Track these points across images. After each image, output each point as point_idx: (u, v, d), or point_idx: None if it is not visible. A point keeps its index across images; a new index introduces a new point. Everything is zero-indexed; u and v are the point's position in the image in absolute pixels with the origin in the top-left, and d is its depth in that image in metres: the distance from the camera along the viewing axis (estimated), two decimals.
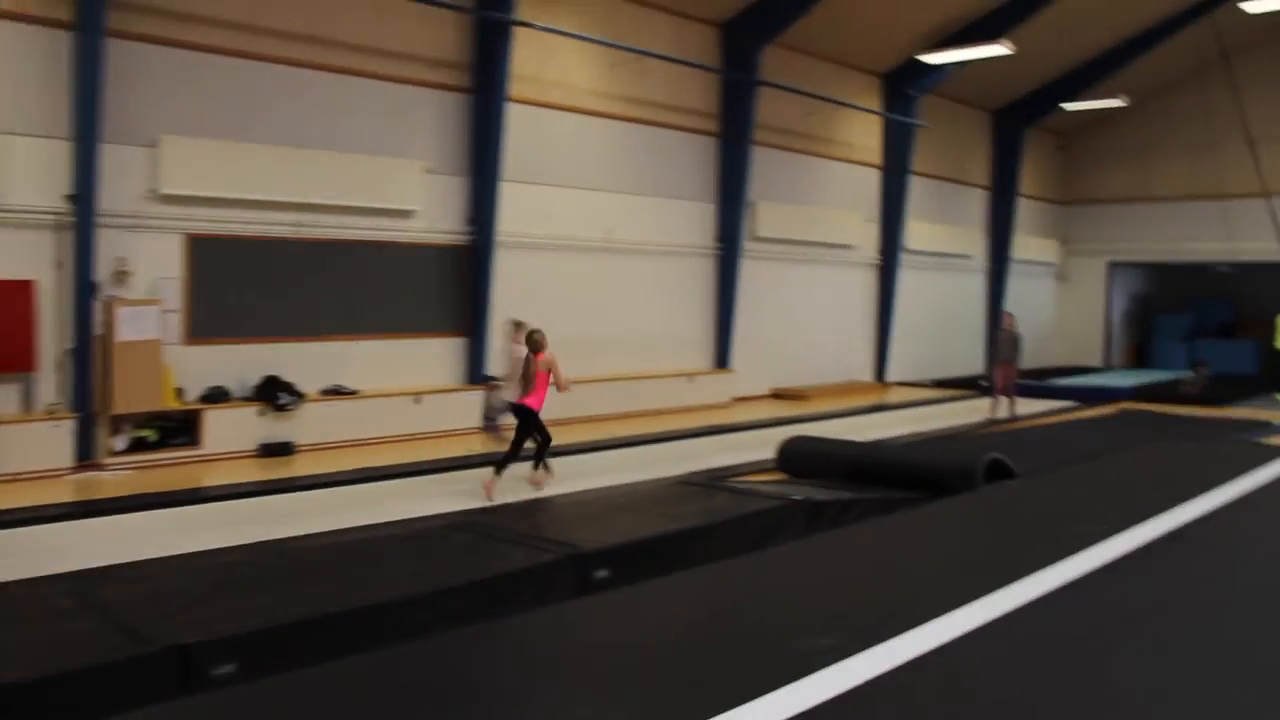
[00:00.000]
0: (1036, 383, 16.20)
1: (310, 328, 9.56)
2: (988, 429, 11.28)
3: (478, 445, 9.46)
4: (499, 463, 7.24)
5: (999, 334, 12.81)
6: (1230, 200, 19.08)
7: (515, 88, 10.90)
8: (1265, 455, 7.17)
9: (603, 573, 4.66)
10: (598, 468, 8.31)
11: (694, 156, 13.40)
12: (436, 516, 6.26)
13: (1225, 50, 17.42)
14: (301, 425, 9.02)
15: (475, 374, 10.85)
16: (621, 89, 12.39)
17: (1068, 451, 8.81)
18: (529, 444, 7.44)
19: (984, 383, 13.17)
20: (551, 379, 7.27)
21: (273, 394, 8.93)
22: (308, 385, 9.32)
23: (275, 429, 8.92)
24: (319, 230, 9.62)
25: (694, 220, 13.46)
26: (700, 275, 13.63)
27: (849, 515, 6.09)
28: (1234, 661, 3.19)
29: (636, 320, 12.66)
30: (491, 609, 4.06)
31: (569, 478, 7.69)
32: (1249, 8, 15.36)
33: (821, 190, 15.55)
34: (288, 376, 9.14)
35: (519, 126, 11.01)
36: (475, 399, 10.61)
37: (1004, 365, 12.27)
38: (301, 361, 9.37)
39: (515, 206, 11.06)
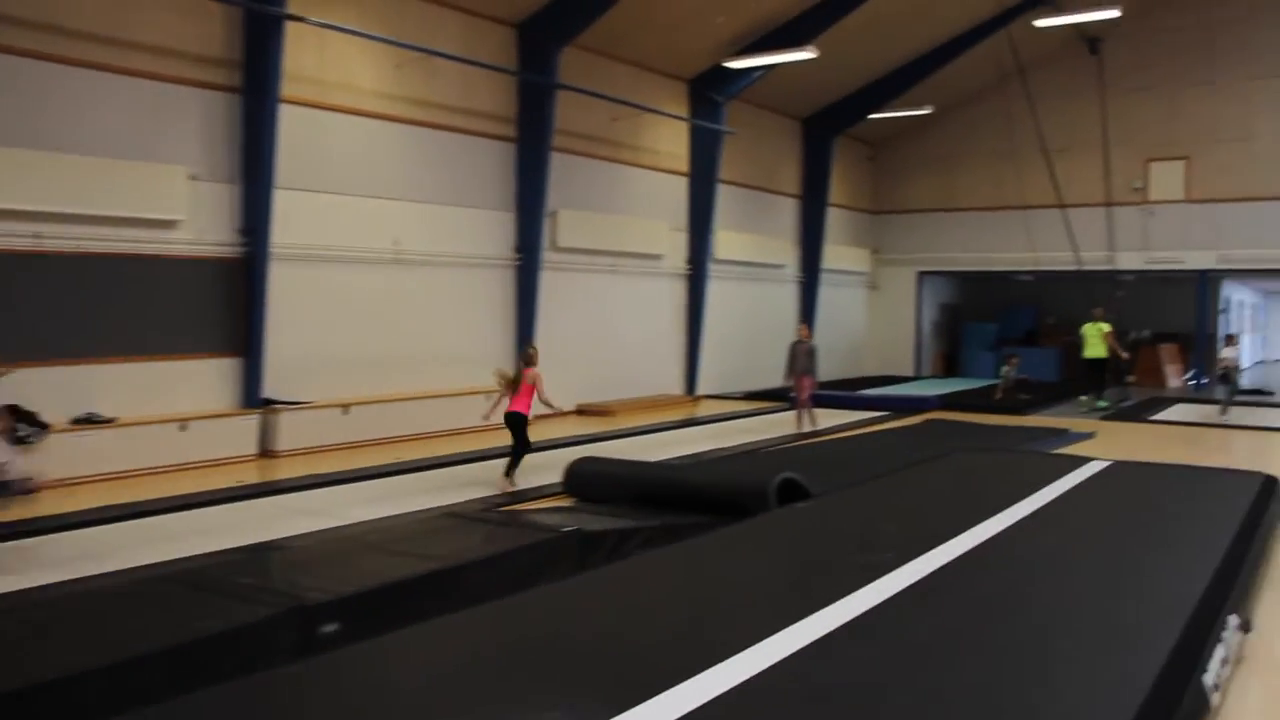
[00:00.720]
0: (846, 393, 17.86)
1: (58, 350, 9.47)
2: (792, 443, 12.20)
3: (252, 474, 9.65)
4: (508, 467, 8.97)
5: (794, 346, 13.82)
6: (1030, 210, 21.57)
7: (290, 88, 11.14)
8: (1062, 467, 8.27)
9: (332, 627, 4.34)
10: (370, 497, 8.38)
11: (490, 163, 14.00)
12: (162, 564, 5.90)
13: (1022, 64, 19.86)
14: (47, 459, 8.93)
15: (251, 396, 10.98)
16: (410, 91, 12.84)
17: (868, 466, 9.41)
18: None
19: (792, 394, 14.45)
20: (536, 392, 8.95)
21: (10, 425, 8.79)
22: (55, 414, 9.24)
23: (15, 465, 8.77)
24: (65, 243, 9.54)
25: (491, 230, 14.05)
26: (499, 288, 14.23)
27: (628, 546, 6.07)
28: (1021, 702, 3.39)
29: (431, 337, 13.10)
30: (188, 681, 3.64)
31: (328, 509, 7.82)
32: (1039, 23, 17.75)
33: (627, 199, 16.53)
34: (30, 405, 9.03)
35: (295, 130, 11.26)
36: (251, 424, 10.76)
37: (802, 377, 13.42)
38: (47, 388, 9.27)
39: (292, 216, 11.29)
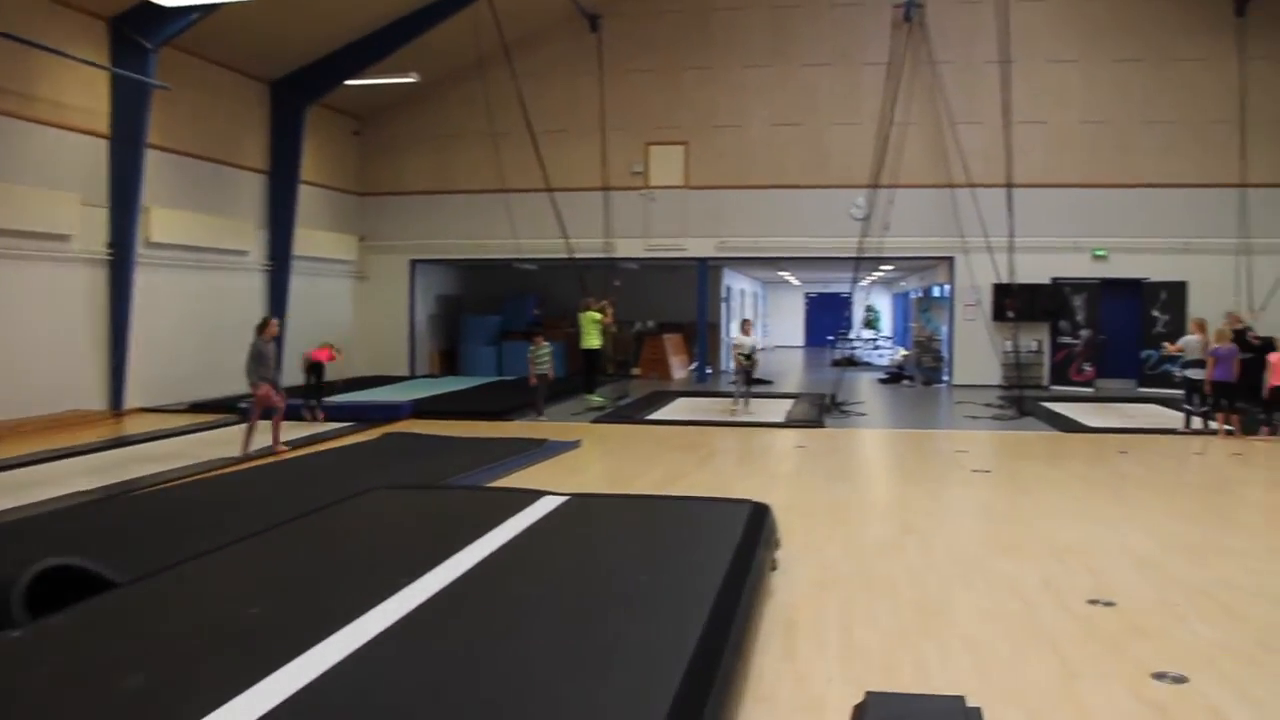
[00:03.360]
0: (302, 400, 17.88)
1: None
2: (204, 473, 11.29)
3: None
4: None
5: (256, 344, 13.00)
6: (528, 194, 23.12)
7: None
8: (504, 507, 7.91)
9: None
10: None
11: None
12: None
13: (519, 37, 21.37)
14: None
15: None
16: None
17: (259, 513, 8.26)
18: None
19: (243, 405, 14.18)
20: None
21: None
22: None
23: None
24: None
25: None
26: None
27: None
28: None
29: None
30: None
31: None
32: None
33: (17, 163, 15.37)
34: None
35: None
36: None
37: (262, 384, 12.83)
38: None
39: None
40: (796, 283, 43.28)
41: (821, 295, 45.66)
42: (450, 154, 24.69)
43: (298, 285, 22.30)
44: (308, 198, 22.79)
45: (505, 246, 24.26)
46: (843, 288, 45.01)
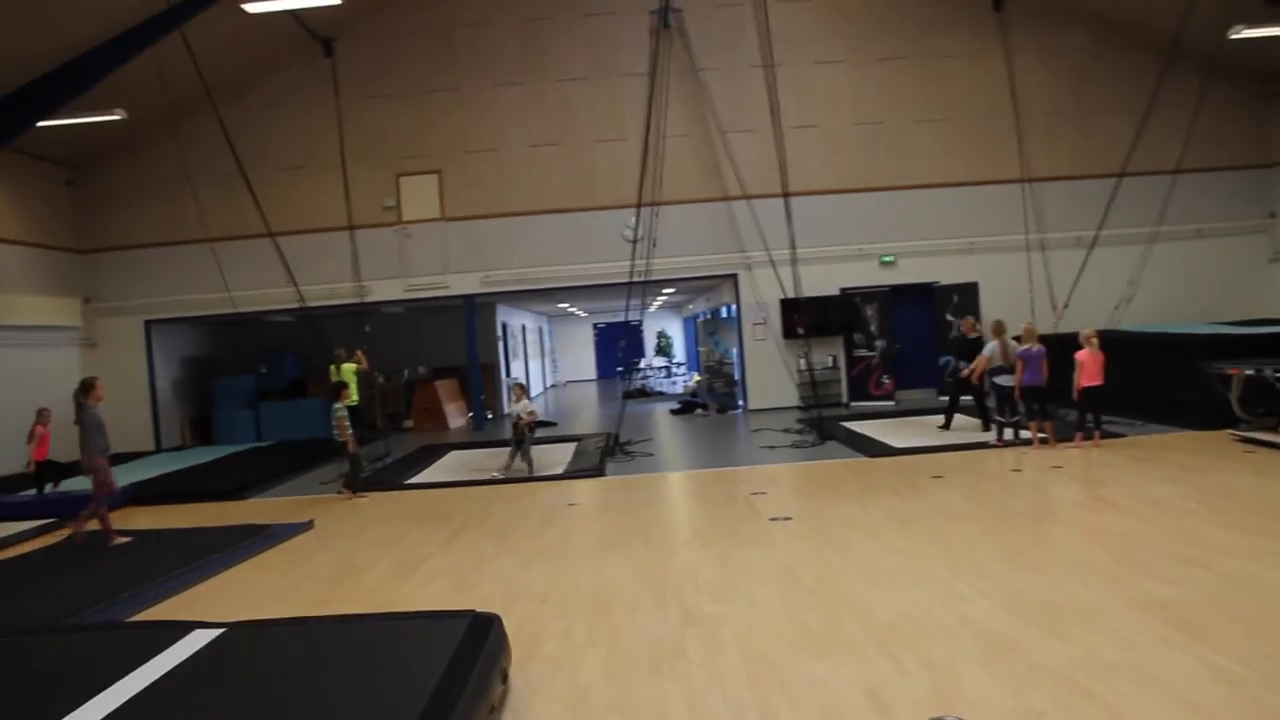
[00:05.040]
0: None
1: None
2: None
3: None
4: None
5: (92, 413, 11.28)
6: (262, 239, 20.22)
7: None
8: (135, 652, 5.74)
9: None
10: None
11: None
12: None
13: (234, 72, 18.48)
14: None
15: None
16: None
17: None
18: None
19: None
20: None
21: None
22: None
23: None
24: None
25: None
26: None
27: None
28: None
29: None
30: None
31: None
32: (249, 7, 16.33)
33: None
34: None
35: None
36: None
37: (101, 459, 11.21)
38: None
39: None
40: (583, 314, 41.26)
41: (610, 325, 43.78)
42: (180, 201, 21.37)
43: (3, 359, 18.82)
44: (11, 258, 19.45)
45: (251, 298, 21.32)
46: (633, 315, 43.52)
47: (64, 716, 4.70)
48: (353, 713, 4.58)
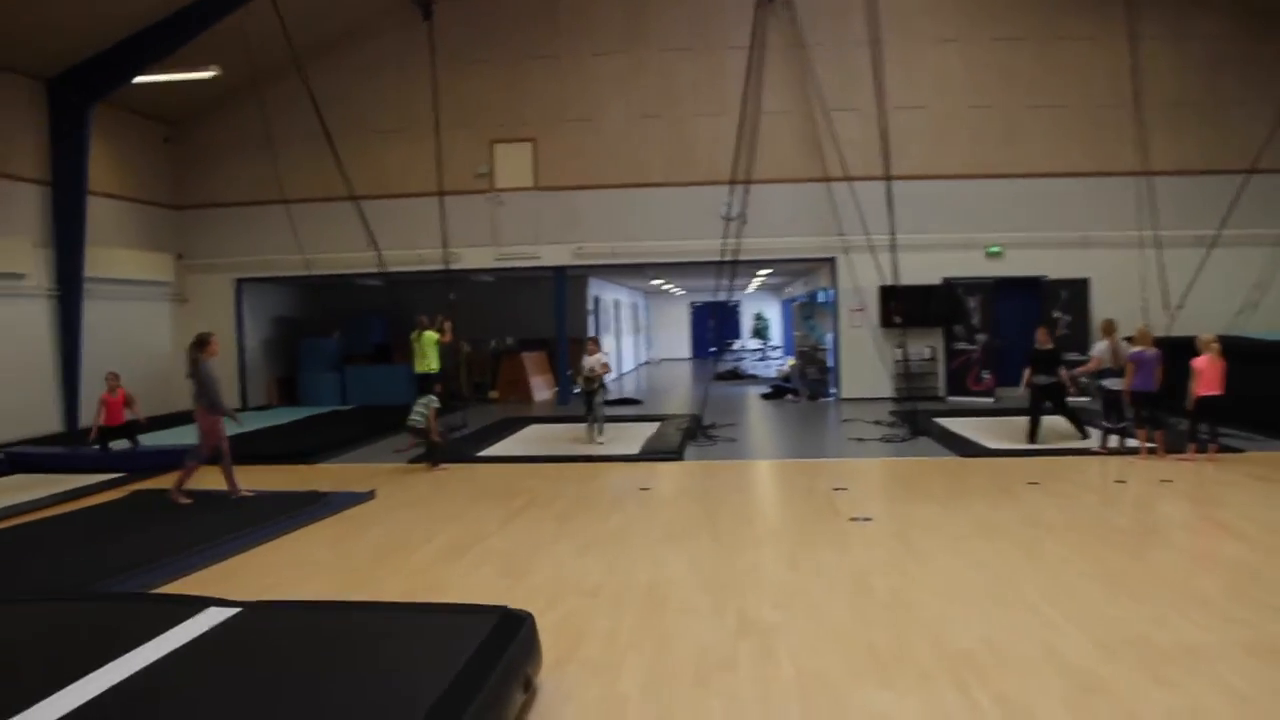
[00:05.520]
0: (63, 451, 14.83)
1: None
2: None
3: None
4: None
5: (206, 367, 10.97)
6: (365, 200, 20.08)
7: None
8: (142, 628, 5.37)
9: None
10: None
11: None
12: None
13: (332, 35, 18.17)
14: None
15: None
16: None
17: None
18: None
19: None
20: None
21: None
22: None
23: None
24: None
25: None
26: None
27: None
28: None
29: None
30: None
31: None
32: None
33: None
34: None
35: None
36: None
37: (215, 416, 11.04)
38: None
39: None
40: (680, 292, 40.62)
41: (707, 305, 43.04)
42: (275, 160, 21.28)
43: (100, 311, 19.06)
44: (109, 212, 19.69)
45: (342, 260, 21.24)
46: (723, 295, 42.63)
47: (41, 699, 4.33)
48: (342, 717, 4.13)
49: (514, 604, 5.67)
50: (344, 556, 8.53)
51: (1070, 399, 14.49)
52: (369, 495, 11.25)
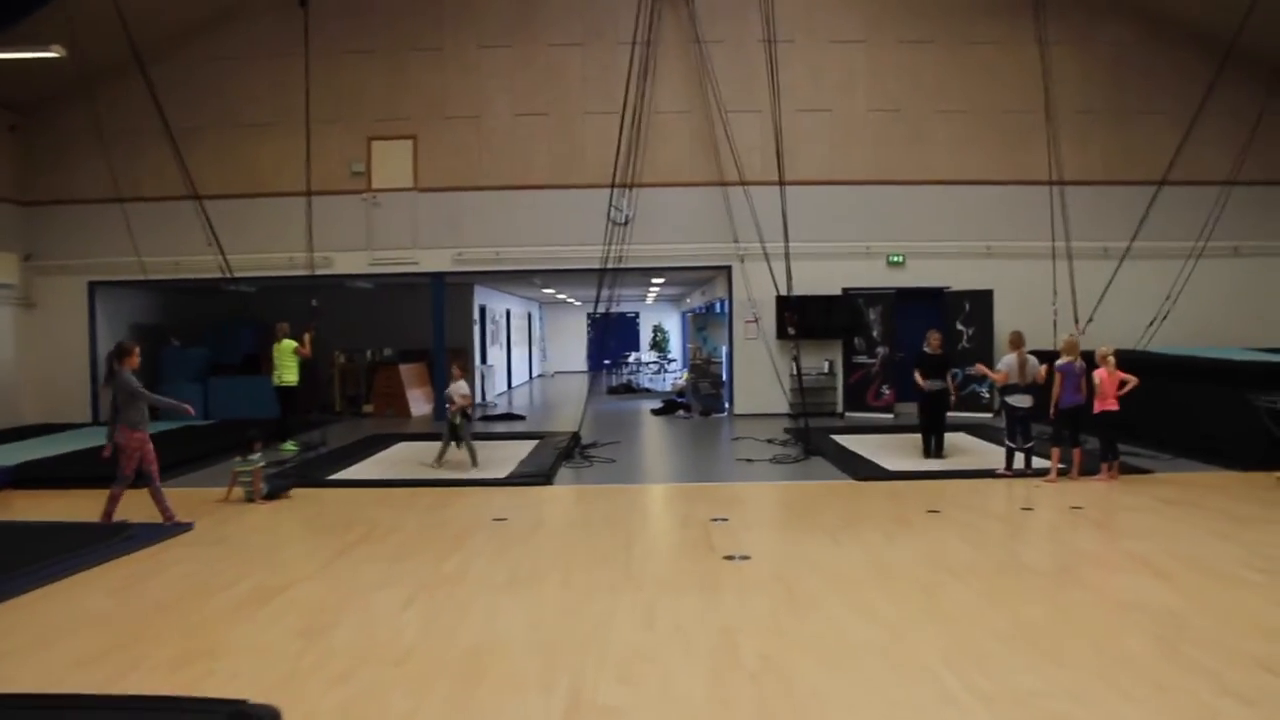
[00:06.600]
0: None
1: None
2: None
3: None
4: None
5: (125, 377, 9.82)
6: (224, 200, 18.49)
7: None
8: None
9: None
10: None
11: None
12: None
13: (202, 19, 16.54)
14: None
15: None
16: None
17: None
18: None
19: None
20: None
21: None
22: None
23: None
24: None
25: None
26: None
27: None
28: None
29: None
30: None
31: None
32: None
33: None
34: None
35: None
36: None
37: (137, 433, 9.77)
38: None
39: None
40: (576, 302, 39.11)
41: (604, 315, 41.53)
42: (136, 153, 19.47)
43: None
44: None
45: (200, 264, 19.38)
46: (628, 307, 41.42)
47: None
48: None
49: (300, 674, 4.35)
50: (124, 605, 7.03)
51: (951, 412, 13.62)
52: (186, 527, 9.70)
